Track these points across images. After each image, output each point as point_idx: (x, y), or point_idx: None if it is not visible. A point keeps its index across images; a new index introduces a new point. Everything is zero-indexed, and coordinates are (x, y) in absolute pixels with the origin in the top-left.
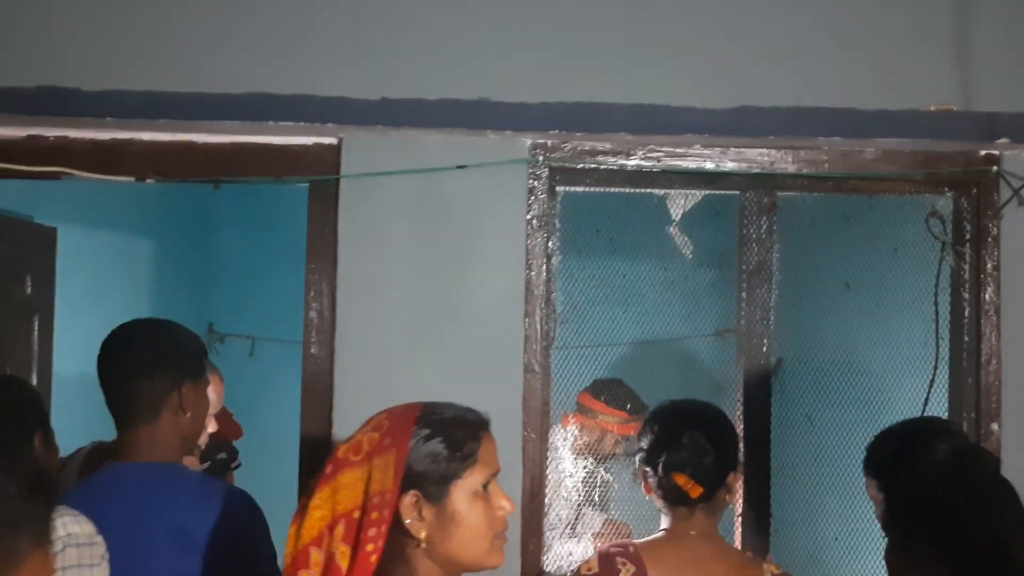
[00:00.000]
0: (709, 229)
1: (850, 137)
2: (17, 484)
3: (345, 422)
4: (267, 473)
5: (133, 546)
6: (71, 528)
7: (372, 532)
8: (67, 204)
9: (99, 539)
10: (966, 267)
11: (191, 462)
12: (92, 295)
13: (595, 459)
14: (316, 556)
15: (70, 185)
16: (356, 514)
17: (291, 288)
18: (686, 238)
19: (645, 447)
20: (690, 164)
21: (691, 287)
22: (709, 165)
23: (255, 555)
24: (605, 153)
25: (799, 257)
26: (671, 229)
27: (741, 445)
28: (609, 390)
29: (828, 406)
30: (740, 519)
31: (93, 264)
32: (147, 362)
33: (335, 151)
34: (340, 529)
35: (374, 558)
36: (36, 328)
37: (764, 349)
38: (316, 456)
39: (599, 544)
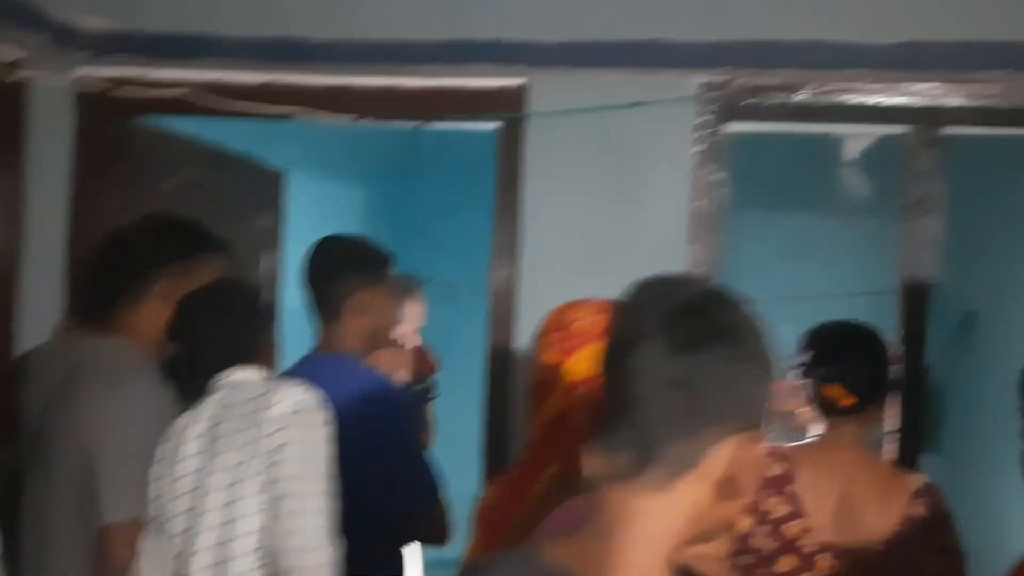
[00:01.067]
0: (878, 174)
1: (1021, 70)
2: None
3: (526, 336)
4: (458, 404)
5: None
6: (302, 396)
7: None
8: (291, 151)
9: (323, 407)
10: None
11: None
12: (314, 234)
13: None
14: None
15: (294, 132)
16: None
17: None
18: (856, 180)
19: (803, 361)
20: (857, 100)
21: (857, 232)
22: (876, 100)
23: (404, 437)
24: (772, 89)
25: (967, 194)
26: (840, 172)
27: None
28: None
29: (994, 342)
30: (892, 436)
31: (314, 206)
32: (330, 270)
33: (522, 92)
34: (582, 392)
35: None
36: (267, 263)
37: (925, 280)
38: (499, 370)
39: None
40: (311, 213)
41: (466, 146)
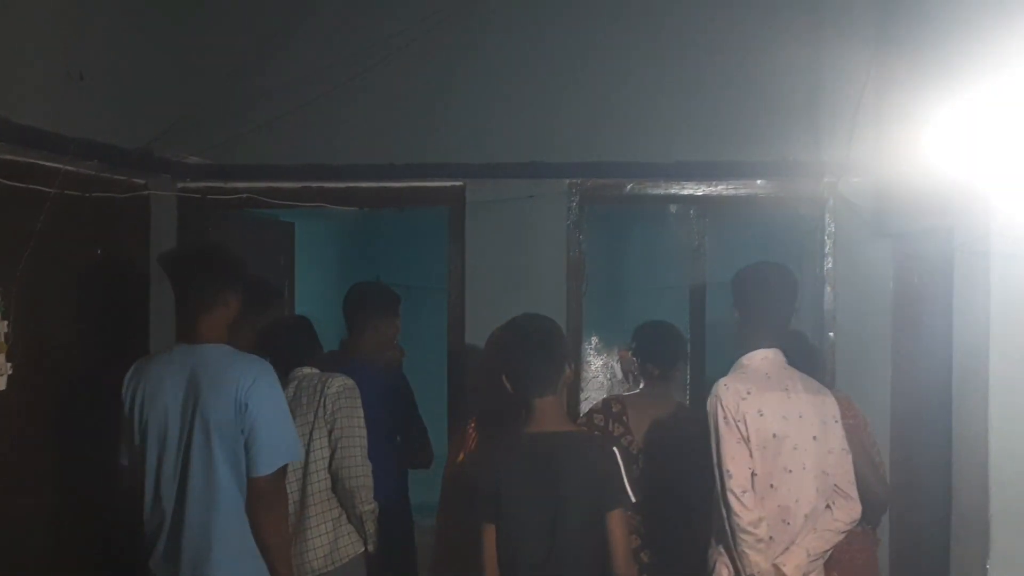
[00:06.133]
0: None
1: (742, 178)
2: None
3: (471, 335)
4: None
5: None
6: (344, 381)
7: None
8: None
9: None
10: None
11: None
12: (310, 267)
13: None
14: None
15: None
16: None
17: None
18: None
19: (632, 345)
20: (657, 191)
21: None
22: (667, 192)
23: (408, 402)
24: (609, 187)
25: (719, 243)
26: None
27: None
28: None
29: None
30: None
31: (307, 245)
32: (359, 305)
33: (463, 190)
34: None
35: None
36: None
37: (701, 290)
38: (457, 364)
39: None
40: (305, 250)
41: (422, 216)
